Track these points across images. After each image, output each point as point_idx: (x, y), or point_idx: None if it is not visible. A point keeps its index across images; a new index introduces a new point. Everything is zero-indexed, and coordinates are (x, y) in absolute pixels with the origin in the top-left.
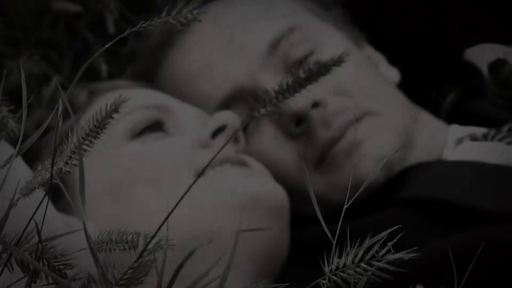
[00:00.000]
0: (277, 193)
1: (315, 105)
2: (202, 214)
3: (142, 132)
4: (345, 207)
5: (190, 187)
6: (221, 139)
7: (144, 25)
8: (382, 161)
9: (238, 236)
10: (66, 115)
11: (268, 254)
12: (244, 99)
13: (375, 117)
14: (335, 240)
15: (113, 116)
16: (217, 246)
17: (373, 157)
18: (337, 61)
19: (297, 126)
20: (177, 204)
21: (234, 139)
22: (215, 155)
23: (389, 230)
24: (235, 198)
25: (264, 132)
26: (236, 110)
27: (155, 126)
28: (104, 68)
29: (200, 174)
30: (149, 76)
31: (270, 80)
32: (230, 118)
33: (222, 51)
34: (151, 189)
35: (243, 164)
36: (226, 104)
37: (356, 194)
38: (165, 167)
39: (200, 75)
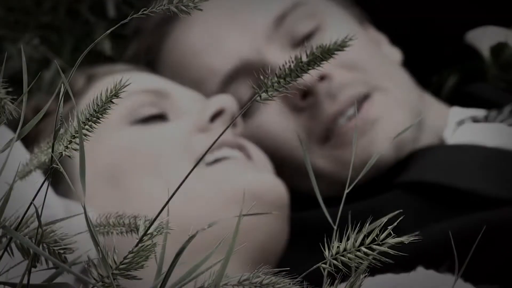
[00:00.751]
0: (277, 189)
1: (322, 78)
2: (201, 203)
3: (142, 119)
4: (346, 191)
5: (189, 173)
6: (219, 123)
7: (145, 11)
8: (396, 139)
9: (239, 222)
10: (65, 100)
11: (266, 246)
12: (249, 73)
13: (387, 93)
14: (336, 224)
15: (113, 100)
16: (215, 235)
17: (389, 136)
18: (341, 45)
19: (303, 99)
20: (177, 188)
21: None
22: (214, 142)
23: (391, 214)
24: (234, 194)
25: (269, 106)
26: (241, 85)
27: (156, 115)
28: (108, 46)
29: (199, 160)
30: (153, 52)
31: (276, 55)
32: (228, 102)
33: (227, 25)
34: (150, 174)
35: (241, 148)
36: (232, 78)
37: (362, 174)
38: (164, 152)
39: (205, 49)
